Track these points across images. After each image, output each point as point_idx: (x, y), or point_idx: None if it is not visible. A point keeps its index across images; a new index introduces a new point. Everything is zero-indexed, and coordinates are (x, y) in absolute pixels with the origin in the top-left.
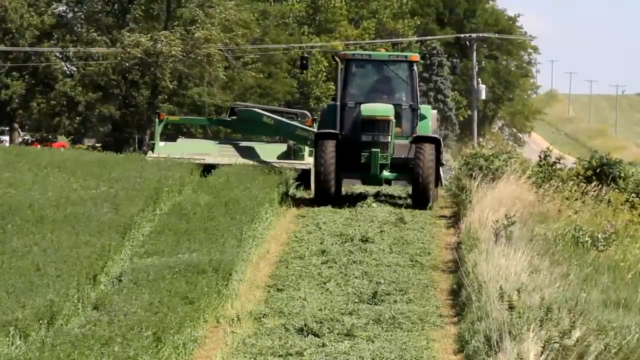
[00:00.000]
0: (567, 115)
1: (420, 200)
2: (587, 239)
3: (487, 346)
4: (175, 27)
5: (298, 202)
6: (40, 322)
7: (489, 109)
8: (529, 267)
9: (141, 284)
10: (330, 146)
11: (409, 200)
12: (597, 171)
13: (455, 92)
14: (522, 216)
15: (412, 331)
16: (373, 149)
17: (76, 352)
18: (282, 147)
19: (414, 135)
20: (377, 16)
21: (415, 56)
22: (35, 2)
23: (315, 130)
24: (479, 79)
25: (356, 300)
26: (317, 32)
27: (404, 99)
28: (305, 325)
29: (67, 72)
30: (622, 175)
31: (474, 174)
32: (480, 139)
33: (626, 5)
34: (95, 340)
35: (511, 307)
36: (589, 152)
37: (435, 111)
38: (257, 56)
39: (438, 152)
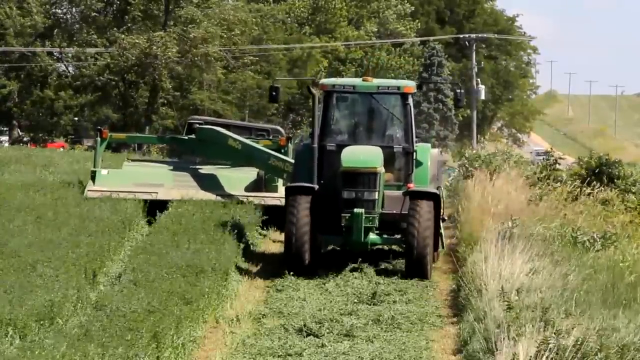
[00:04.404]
0: (566, 115)
1: (414, 271)
2: (585, 239)
3: (486, 346)
4: (172, 28)
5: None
6: (40, 322)
7: (489, 109)
8: (527, 267)
9: (140, 284)
10: (303, 204)
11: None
12: (596, 171)
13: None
14: (521, 216)
15: (412, 331)
16: (356, 209)
17: (75, 353)
18: (251, 175)
19: (409, 186)
20: (379, 17)
21: (410, 87)
22: (26, 4)
23: (291, 158)
24: (479, 80)
25: (355, 300)
26: (317, 33)
27: (397, 139)
28: (304, 325)
29: (63, 73)
30: (621, 175)
31: (472, 175)
32: (483, 139)
33: (626, 5)
34: (94, 340)
35: (509, 308)
36: (589, 152)
37: (437, 150)
38: (257, 58)
39: (438, 209)
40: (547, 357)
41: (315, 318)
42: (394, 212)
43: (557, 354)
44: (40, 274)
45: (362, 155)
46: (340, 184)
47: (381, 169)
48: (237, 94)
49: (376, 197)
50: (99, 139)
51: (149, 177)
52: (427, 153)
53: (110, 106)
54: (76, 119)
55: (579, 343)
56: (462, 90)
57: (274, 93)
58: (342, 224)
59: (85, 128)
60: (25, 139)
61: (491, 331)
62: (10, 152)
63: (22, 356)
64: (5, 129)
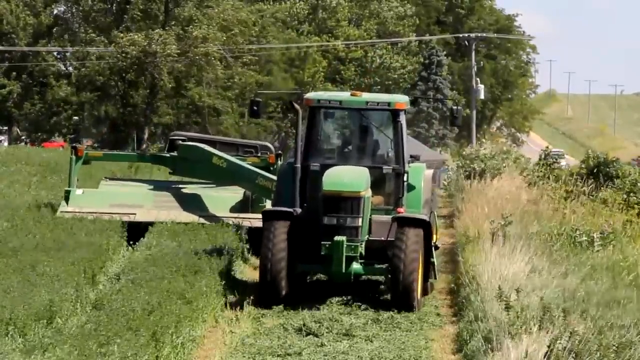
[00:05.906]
0: (565, 115)
1: (400, 303)
2: (584, 238)
3: (485, 346)
4: (172, 27)
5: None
6: (39, 321)
7: (488, 109)
8: (526, 266)
9: (139, 284)
10: (280, 231)
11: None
12: (594, 170)
13: (454, 92)
14: (519, 215)
15: (411, 331)
16: (336, 237)
17: (75, 352)
18: (237, 195)
19: (399, 210)
20: (379, 17)
21: (402, 103)
22: (32, 2)
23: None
24: (478, 79)
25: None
26: (317, 32)
27: (387, 159)
28: (303, 324)
29: (64, 72)
30: (619, 174)
31: (470, 174)
32: (484, 139)
33: (625, 4)
34: (93, 339)
35: (508, 307)
36: (586, 151)
37: (432, 171)
38: (256, 57)
39: (428, 237)
40: (547, 356)
41: (315, 317)
42: (382, 238)
43: (557, 353)
44: (40, 273)
45: (345, 177)
46: (321, 209)
47: (366, 193)
48: (236, 90)
49: (359, 223)
50: (74, 157)
51: (127, 197)
52: (420, 175)
53: (110, 104)
54: (76, 117)
55: (578, 342)
56: (460, 108)
57: (255, 107)
58: (322, 253)
59: (86, 124)
60: (22, 137)
61: (491, 331)
62: (9, 152)
63: (23, 355)
64: (4, 128)
